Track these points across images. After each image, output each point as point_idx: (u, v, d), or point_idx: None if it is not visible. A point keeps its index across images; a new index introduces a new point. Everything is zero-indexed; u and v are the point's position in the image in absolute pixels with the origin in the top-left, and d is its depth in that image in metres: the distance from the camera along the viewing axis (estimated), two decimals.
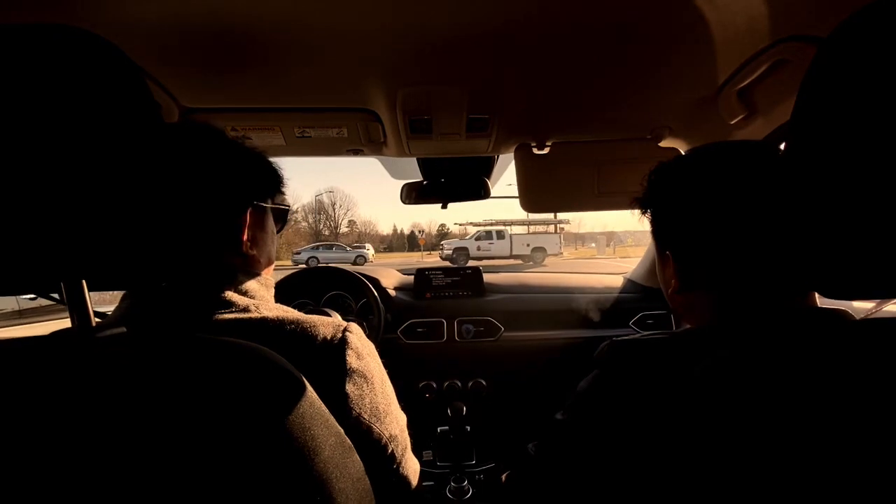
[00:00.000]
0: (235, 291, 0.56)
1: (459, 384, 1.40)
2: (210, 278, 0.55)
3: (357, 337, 0.58)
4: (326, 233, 50.60)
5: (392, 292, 1.50)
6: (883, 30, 0.31)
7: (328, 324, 0.57)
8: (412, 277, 1.55)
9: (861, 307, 0.85)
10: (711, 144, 0.55)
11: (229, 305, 0.54)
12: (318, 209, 49.39)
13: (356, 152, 1.13)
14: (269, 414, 0.39)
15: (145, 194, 0.37)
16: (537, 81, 0.84)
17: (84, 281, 0.38)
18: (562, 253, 22.95)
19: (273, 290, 0.64)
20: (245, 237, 0.58)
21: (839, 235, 0.34)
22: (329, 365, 0.54)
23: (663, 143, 1.07)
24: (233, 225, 0.58)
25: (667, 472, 0.40)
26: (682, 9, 0.64)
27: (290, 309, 0.59)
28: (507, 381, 1.42)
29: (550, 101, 0.92)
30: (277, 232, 0.70)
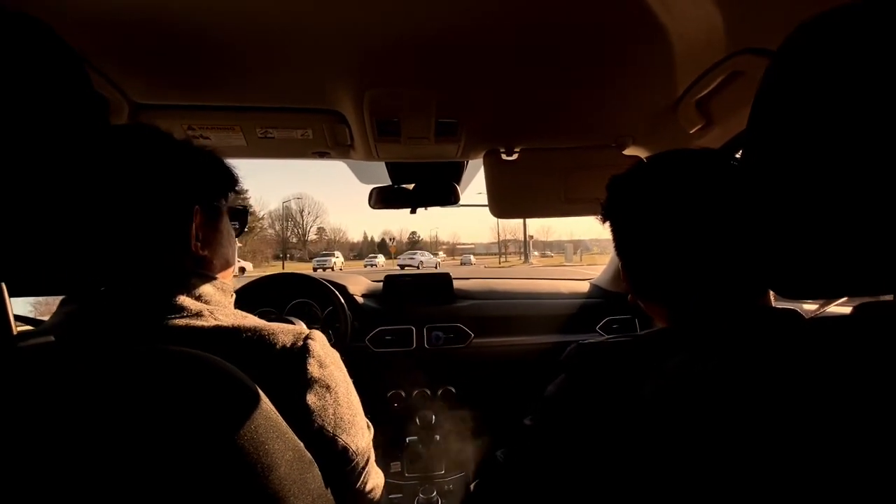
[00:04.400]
0: (188, 296, 0.52)
1: (429, 392, 1.38)
2: (159, 281, 0.52)
3: (319, 345, 0.55)
4: (294, 240, 49.47)
5: (360, 299, 1.46)
6: (827, 40, 0.32)
7: (288, 331, 0.54)
8: (381, 284, 1.53)
9: (808, 307, 0.90)
10: (665, 153, 0.57)
11: (181, 310, 0.50)
12: (286, 216, 48.25)
13: (322, 155, 1.10)
14: (218, 429, 0.36)
15: (74, 192, 0.34)
16: (504, 87, 0.84)
17: (3, 284, 0.34)
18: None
19: (232, 296, 0.61)
20: (193, 237, 0.56)
21: (794, 239, 0.34)
22: (289, 374, 0.51)
23: (627, 152, 1.10)
24: (179, 225, 0.55)
25: (633, 475, 0.39)
26: (642, 20, 0.65)
27: (248, 315, 0.57)
28: (477, 387, 1.41)
29: (517, 106, 0.92)
30: (237, 234, 0.67)
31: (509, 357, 1.42)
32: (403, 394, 1.38)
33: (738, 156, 0.54)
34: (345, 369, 0.60)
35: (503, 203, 1.14)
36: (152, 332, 0.48)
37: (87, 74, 0.35)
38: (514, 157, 1.11)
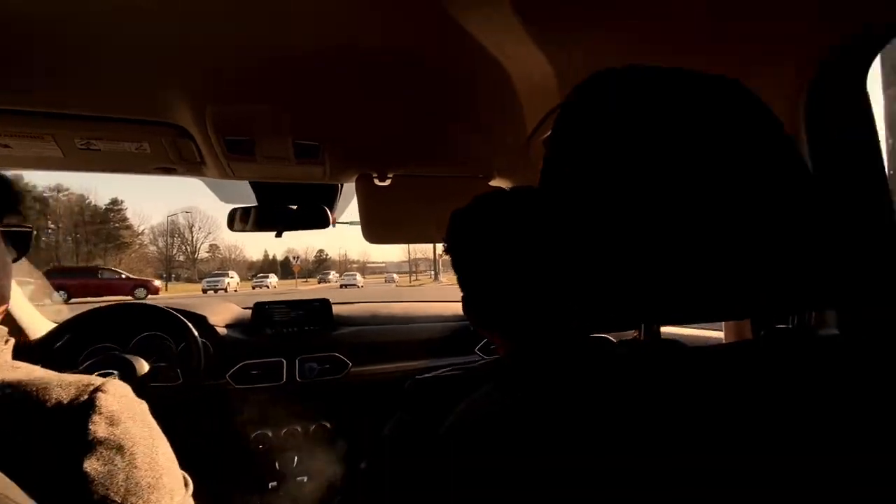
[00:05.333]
0: None
1: (300, 430, 1.28)
2: None
3: (114, 398, 0.47)
4: (181, 258, 44.28)
5: (222, 330, 1.32)
6: (596, 97, 0.36)
7: (69, 384, 0.45)
8: (249, 312, 1.40)
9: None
10: (493, 193, 0.60)
11: None
12: (172, 231, 42.98)
13: (168, 171, 0.98)
14: None
15: None
16: (365, 112, 0.83)
17: None
18: None
19: (7, 342, 0.49)
20: None
21: (585, 277, 0.37)
22: (62, 437, 0.42)
23: (493, 183, 1.16)
24: None
25: None
26: (487, 64, 0.69)
27: (20, 365, 0.46)
28: (355, 421, 1.35)
29: (381, 134, 0.92)
30: (14, 261, 0.56)
31: (389, 385, 1.38)
32: (270, 434, 1.25)
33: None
34: (152, 423, 0.52)
35: (377, 228, 1.12)
36: None
37: None
38: (388, 182, 1.10)
